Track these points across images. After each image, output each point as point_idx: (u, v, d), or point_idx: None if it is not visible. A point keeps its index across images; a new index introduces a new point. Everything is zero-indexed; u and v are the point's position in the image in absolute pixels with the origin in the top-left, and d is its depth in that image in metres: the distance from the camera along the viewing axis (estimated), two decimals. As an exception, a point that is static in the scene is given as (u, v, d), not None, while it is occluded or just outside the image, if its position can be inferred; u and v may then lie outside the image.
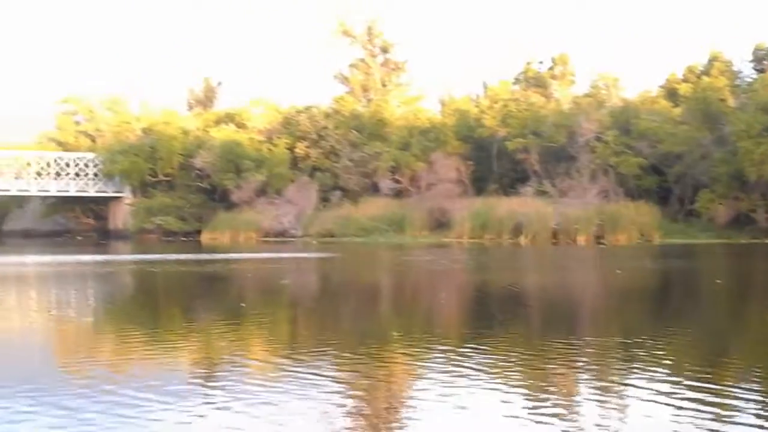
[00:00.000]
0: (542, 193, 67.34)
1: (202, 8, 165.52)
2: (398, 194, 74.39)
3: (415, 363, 12.05)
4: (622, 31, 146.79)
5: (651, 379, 10.48)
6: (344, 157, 76.88)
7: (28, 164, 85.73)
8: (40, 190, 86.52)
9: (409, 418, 8.88)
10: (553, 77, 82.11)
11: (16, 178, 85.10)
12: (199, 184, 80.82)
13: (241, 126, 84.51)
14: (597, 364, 11.83)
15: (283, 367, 11.57)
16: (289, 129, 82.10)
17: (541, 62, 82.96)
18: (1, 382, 10.31)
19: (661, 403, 9.23)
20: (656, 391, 9.79)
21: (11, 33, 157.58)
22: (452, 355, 12.36)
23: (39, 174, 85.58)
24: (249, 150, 78.87)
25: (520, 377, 10.96)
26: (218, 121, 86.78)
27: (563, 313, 19.31)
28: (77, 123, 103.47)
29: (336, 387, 10.21)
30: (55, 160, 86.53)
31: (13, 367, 11.67)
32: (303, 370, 11.19)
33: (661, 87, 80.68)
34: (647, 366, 11.42)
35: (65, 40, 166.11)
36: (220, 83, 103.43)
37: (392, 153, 74.31)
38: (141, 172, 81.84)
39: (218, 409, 9.07)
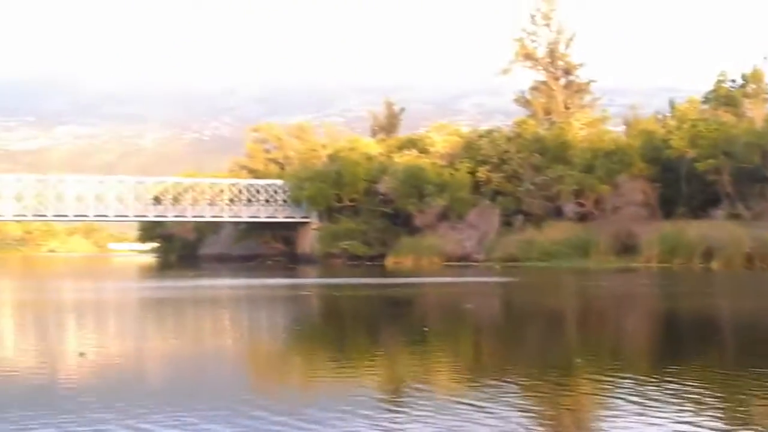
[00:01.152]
0: (734, 216, 64.44)
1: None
2: (582, 218, 73.01)
3: (601, 392, 11.80)
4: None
5: None
6: (527, 181, 76.23)
7: (222, 191, 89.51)
8: (232, 217, 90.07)
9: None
10: (746, 95, 78.75)
11: (211, 204, 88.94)
12: (383, 209, 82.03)
13: (423, 151, 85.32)
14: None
15: (467, 392, 11.59)
16: (470, 153, 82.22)
17: (733, 80, 79.93)
18: (197, 401, 10.81)
19: None
20: None
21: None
22: (640, 384, 12.03)
23: (232, 201, 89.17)
24: (431, 175, 79.48)
25: (712, 409, 10.54)
26: (401, 147, 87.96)
27: (760, 341, 18.40)
28: (267, 151, 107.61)
29: (520, 415, 10.13)
30: (247, 187, 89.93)
31: (208, 388, 12.20)
32: (487, 396, 11.18)
33: None
34: None
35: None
36: (402, 109, 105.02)
37: (576, 176, 73.09)
38: (327, 198, 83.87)
39: (401, 430, 9.20)
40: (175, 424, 9.47)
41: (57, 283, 50.28)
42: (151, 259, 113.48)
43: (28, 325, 22.65)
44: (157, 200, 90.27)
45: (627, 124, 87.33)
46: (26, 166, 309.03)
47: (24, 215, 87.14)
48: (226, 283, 44.13)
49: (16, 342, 18.42)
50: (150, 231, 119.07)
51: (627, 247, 66.37)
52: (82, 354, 15.28)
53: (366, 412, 10.08)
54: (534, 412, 10.41)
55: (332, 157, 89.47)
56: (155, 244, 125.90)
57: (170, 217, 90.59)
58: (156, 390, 12.03)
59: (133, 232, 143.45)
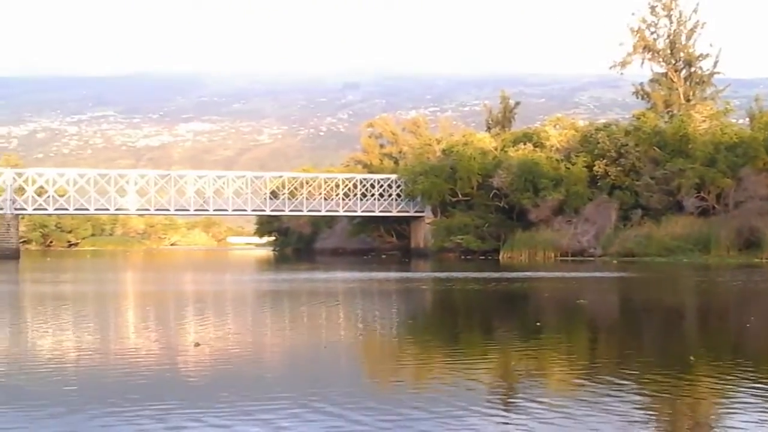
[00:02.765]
0: None
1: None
2: (703, 212, 71.12)
3: (721, 390, 11.43)
4: None
5: None
6: (645, 175, 74.66)
7: (337, 186, 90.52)
8: (347, 211, 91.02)
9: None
10: None
11: (326, 199, 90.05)
12: (497, 203, 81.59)
13: (538, 145, 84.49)
14: None
15: (582, 388, 11.40)
16: (587, 147, 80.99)
17: None
18: (312, 393, 10.93)
19: None
20: None
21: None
22: (761, 383, 11.61)
23: (346, 195, 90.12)
24: (546, 169, 78.63)
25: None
26: (516, 141, 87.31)
27: None
28: (382, 146, 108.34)
29: (637, 411, 9.90)
30: (361, 182, 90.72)
31: (323, 379, 12.33)
32: (602, 391, 10.97)
33: None
34: None
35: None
36: (517, 103, 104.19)
37: (697, 169, 71.21)
38: (441, 192, 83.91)
39: (517, 426, 9.11)
40: (290, 414, 9.59)
41: (178, 275, 51.73)
42: (268, 253, 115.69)
43: (149, 316, 23.34)
44: (274, 195, 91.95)
45: (751, 116, 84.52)
46: (149, 162, 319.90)
47: (147, 209, 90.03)
48: (340, 276, 44.57)
49: (136, 332, 19.00)
50: (267, 225, 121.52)
51: (750, 243, 64.41)
52: (197, 344, 15.66)
53: (480, 407, 10.01)
54: (651, 409, 10.16)
55: (446, 152, 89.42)
56: (272, 238, 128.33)
57: (286, 212, 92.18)
58: (269, 381, 12.22)
59: (251, 226, 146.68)
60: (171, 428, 8.93)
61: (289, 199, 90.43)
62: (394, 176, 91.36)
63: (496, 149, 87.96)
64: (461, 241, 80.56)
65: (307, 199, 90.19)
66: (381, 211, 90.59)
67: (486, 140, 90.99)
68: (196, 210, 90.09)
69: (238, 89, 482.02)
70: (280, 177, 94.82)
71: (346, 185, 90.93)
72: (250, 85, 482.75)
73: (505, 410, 9.88)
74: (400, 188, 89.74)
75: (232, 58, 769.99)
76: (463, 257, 76.44)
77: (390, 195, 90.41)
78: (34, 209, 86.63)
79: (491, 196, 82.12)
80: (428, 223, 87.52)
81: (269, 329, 19.65)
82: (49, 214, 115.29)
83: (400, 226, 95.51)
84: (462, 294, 31.62)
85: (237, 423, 9.17)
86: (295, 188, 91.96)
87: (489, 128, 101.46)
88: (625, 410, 9.84)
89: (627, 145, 77.66)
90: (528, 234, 75.56)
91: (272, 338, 17.88)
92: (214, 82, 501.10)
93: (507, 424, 9.20)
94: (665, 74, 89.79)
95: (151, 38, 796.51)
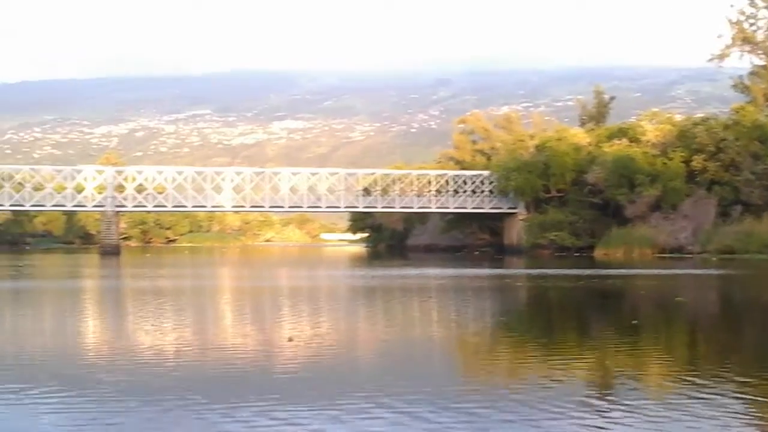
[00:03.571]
0: None
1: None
2: (808, 208, 68.92)
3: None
4: None
5: None
6: (745, 170, 72.70)
7: (429, 182, 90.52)
8: (439, 207, 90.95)
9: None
10: None
11: (418, 195, 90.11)
12: (592, 199, 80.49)
13: (634, 140, 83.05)
14: None
15: (679, 387, 11.17)
16: (684, 142, 79.25)
17: None
18: (405, 388, 10.97)
19: None
20: None
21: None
22: None
23: (439, 192, 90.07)
24: (642, 164, 77.23)
25: None
26: (610, 136, 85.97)
27: None
28: (474, 142, 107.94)
29: (737, 413, 9.65)
30: (454, 178, 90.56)
31: (416, 375, 12.36)
32: (700, 392, 10.72)
33: None
34: None
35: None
36: (612, 98, 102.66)
37: (800, 164, 69.03)
38: (534, 189, 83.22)
39: (613, 423, 8.99)
40: (383, 413, 9.63)
41: (273, 271, 52.44)
42: (360, 249, 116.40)
43: (245, 311, 23.73)
44: (366, 192, 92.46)
45: None
46: (244, 160, 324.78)
47: (242, 206, 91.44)
48: (432, 273, 44.57)
49: (233, 326, 19.34)
50: (360, 221, 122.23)
51: None
52: (290, 339, 15.87)
53: (575, 406, 9.90)
54: (752, 411, 9.89)
55: (540, 148, 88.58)
56: (365, 235, 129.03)
57: (379, 208, 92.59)
58: (361, 378, 12.29)
59: (344, 222, 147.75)
60: (260, 425, 9.06)
61: (381, 195, 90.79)
62: (486, 172, 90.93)
63: (590, 145, 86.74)
64: (555, 238, 79.76)
65: (399, 195, 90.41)
66: (473, 208, 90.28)
67: (580, 135, 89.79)
68: (290, 207, 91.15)
69: (331, 87, 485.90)
70: (373, 174, 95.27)
71: (439, 182, 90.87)
72: (343, 82, 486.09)
73: (600, 411, 9.73)
74: (493, 184, 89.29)
75: (325, 56, 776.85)
76: (557, 254, 75.66)
77: (482, 191, 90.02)
78: (134, 206, 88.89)
79: (585, 192, 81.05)
80: (521, 220, 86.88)
81: (362, 325, 19.78)
82: (148, 211, 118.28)
83: (493, 222, 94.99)
84: (556, 291, 31.31)
85: (328, 420, 9.25)
86: (388, 185, 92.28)
87: (583, 123, 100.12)
88: (725, 412, 9.60)
89: (726, 139, 75.71)
90: (624, 230, 74.32)
91: (365, 334, 18.00)
92: (307, 80, 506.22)
93: (603, 427, 9.08)
94: (765, 67, 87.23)
95: (246, 37, 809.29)
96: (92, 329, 18.93)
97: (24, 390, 10.73)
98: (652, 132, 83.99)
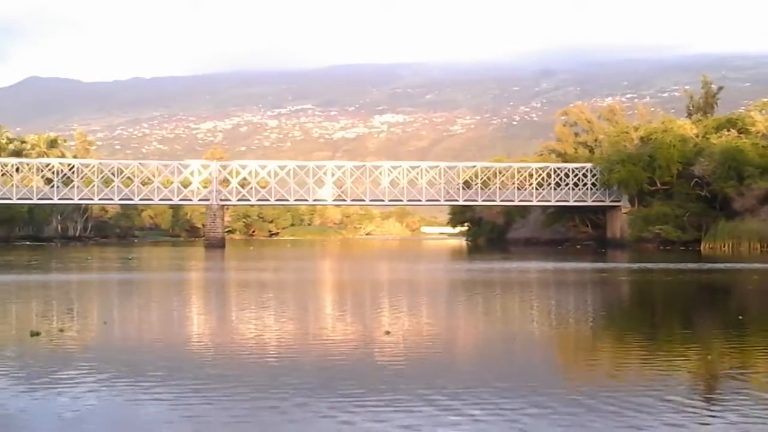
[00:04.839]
0: None
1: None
2: None
3: None
4: None
5: None
6: None
7: (530, 175, 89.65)
8: (540, 201, 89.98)
9: None
10: None
11: (519, 189, 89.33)
12: (699, 192, 78.52)
13: (743, 131, 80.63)
14: None
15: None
16: (797, 132, 76.53)
17: None
18: (504, 385, 10.92)
19: None
20: None
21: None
22: None
23: (540, 185, 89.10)
24: (752, 156, 74.93)
25: None
26: (718, 128, 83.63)
27: None
28: (577, 134, 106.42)
29: None
30: (555, 171, 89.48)
31: (515, 371, 12.29)
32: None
33: None
34: None
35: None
36: (720, 88, 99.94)
37: None
38: (638, 181, 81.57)
39: (722, 421, 8.81)
40: (480, 409, 9.62)
41: (373, 264, 52.79)
42: (460, 243, 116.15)
43: (345, 304, 23.97)
44: (467, 185, 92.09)
45: None
46: (345, 154, 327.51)
47: (343, 200, 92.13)
48: (534, 267, 44.21)
49: (333, 319, 19.55)
50: (460, 215, 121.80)
51: None
52: (387, 333, 15.97)
53: (675, 407, 9.68)
54: None
55: (645, 139, 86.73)
56: (465, 228, 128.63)
57: (479, 201, 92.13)
58: (457, 373, 12.28)
59: (444, 216, 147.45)
60: (356, 420, 9.15)
61: (482, 188, 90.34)
62: (589, 165, 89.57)
63: (697, 136, 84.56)
64: (660, 232, 78.07)
65: (500, 188, 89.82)
66: (576, 201, 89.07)
67: (686, 127, 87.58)
68: (390, 200, 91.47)
69: (432, 80, 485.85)
70: (474, 167, 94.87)
71: (540, 175, 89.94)
72: (444, 75, 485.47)
73: (702, 415, 9.48)
74: (596, 177, 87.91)
75: (427, 49, 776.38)
76: (661, 248, 74.10)
77: (585, 184, 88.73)
78: (238, 200, 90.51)
79: (692, 184, 79.07)
80: (625, 213, 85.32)
81: (461, 319, 19.76)
82: (252, 205, 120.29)
83: (596, 215, 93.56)
84: (660, 285, 30.72)
85: (423, 417, 9.28)
86: (488, 178, 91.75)
87: (690, 115, 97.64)
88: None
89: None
90: (732, 224, 72.22)
91: (464, 328, 17.98)
92: (408, 74, 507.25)
93: (707, 421, 8.88)
94: None
95: (349, 32, 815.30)
96: (198, 321, 19.40)
97: (133, 383, 11.07)
98: (762, 122, 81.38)
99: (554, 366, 13.40)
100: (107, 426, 8.77)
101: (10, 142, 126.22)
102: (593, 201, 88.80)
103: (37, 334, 15.39)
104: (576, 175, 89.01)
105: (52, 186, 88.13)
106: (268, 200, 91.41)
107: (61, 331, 16.11)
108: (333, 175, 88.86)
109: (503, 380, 11.10)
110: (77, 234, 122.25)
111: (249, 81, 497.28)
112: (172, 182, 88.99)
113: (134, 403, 9.73)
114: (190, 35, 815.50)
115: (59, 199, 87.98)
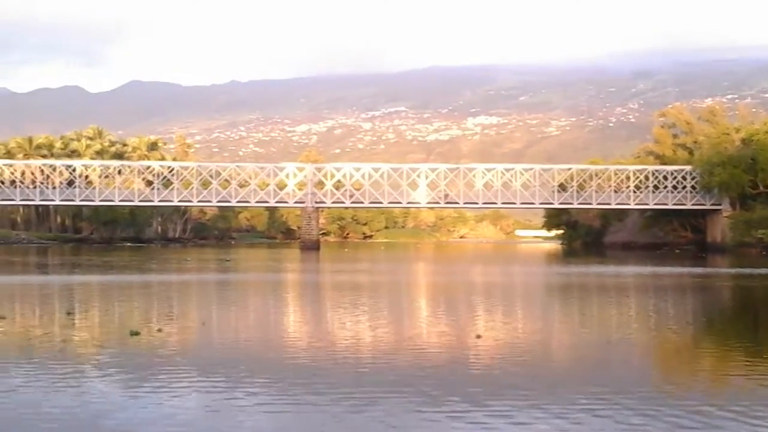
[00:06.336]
0: None
1: None
2: None
3: None
4: None
5: None
6: None
7: (627, 178, 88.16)
8: (638, 204, 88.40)
9: None
10: None
11: (616, 192, 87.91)
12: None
13: None
14: None
15: None
16: None
17: None
18: (599, 391, 10.73)
19: None
20: None
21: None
22: None
23: (638, 188, 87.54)
24: None
25: None
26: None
27: None
28: (675, 136, 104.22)
29: None
30: (653, 173, 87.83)
31: (611, 378, 12.05)
32: None
33: None
34: None
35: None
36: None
37: None
38: (740, 184, 79.50)
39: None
40: (573, 416, 9.48)
41: (467, 267, 52.61)
42: (555, 246, 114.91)
43: (438, 306, 23.93)
44: (562, 187, 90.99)
45: None
46: (439, 156, 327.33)
47: (437, 202, 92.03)
48: (631, 271, 43.43)
49: (426, 321, 19.53)
50: (555, 218, 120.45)
51: None
52: (478, 336, 15.89)
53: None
54: None
55: (746, 141, 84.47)
56: (560, 231, 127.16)
57: (575, 204, 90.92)
58: (550, 379, 12.11)
59: (539, 219, 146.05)
60: (441, 420, 9.10)
61: (577, 191, 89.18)
62: (688, 167, 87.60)
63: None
64: (763, 236, 75.87)
65: (596, 191, 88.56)
66: (674, 204, 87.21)
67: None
68: (484, 203, 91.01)
69: (526, 82, 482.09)
70: (569, 169, 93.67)
71: (638, 177, 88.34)
72: (539, 77, 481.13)
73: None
74: (695, 180, 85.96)
75: (521, 50, 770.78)
76: (764, 253, 72.00)
77: (684, 187, 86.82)
78: (333, 202, 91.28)
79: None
80: (726, 217, 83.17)
81: (555, 323, 19.52)
82: (346, 207, 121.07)
83: (695, 219, 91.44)
84: (764, 291, 29.83)
85: (511, 423, 9.18)
86: (584, 180, 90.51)
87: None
88: None
89: None
90: None
91: (558, 333, 17.75)
92: (503, 76, 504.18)
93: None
94: None
95: (442, 34, 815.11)
96: (294, 323, 19.62)
97: (230, 384, 11.24)
98: None
99: (652, 373, 13.08)
100: (203, 425, 8.90)
101: (113, 145, 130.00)
102: (693, 204, 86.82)
103: (137, 333, 15.77)
104: (675, 177, 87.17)
105: (153, 188, 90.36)
106: (362, 202, 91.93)
107: (160, 331, 16.46)
108: (427, 177, 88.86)
109: (599, 385, 10.89)
110: (176, 235, 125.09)
111: (343, 84, 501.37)
112: (268, 185, 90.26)
113: (230, 403, 9.85)
114: (286, 39, 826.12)
115: (159, 200, 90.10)
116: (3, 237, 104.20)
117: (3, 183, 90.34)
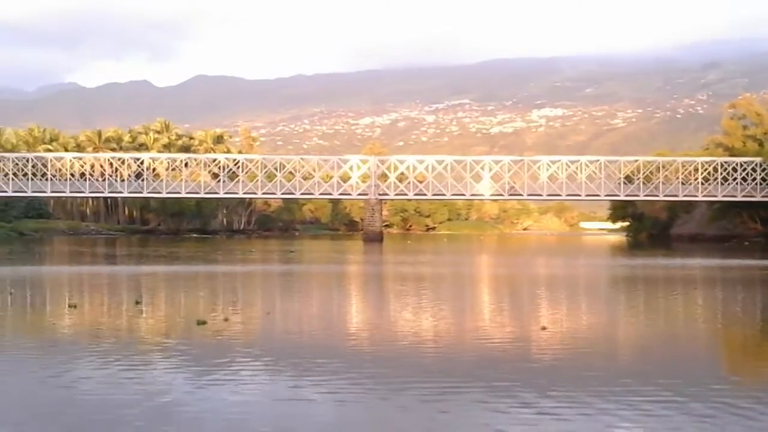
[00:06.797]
0: None
1: None
2: None
3: None
4: None
5: None
6: None
7: (695, 170, 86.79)
8: (706, 196, 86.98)
9: None
10: None
11: (684, 183, 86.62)
12: None
13: None
14: None
15: None
16: None
17: None
18: (668, 382, 10.60)
19: None
20: None
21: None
22: None
23: (706, 180, 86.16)
24: None
25: None
26: None
27: None
28: (745, 127, 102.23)
29: None
30: (722, 165, 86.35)
31: (679, 373, 11.90)
32: None
33: None
34: None
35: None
36: None
37: None
38: (812, 176, 77.58)
39: None
40: (638, 409, 9.39)
41: (531, 259, 52.29)
42: (620, 238, 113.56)
43: (502, 298, 23.85)
44: (628, 179, 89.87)
45: None
46: (503, 148, 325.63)
47: (501, 195, 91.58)
48: (698, 264, 42.75)
49: (490, 313, 19.49)
50: (620, 210, 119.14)
51: None
52: (544, 328, 15.80)
53: None
54: None
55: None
56: (625, 223, 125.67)
57: (641, 197, 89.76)
58: (612, 372, 12.01)
59: (604, 211, 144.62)
60: (509, 411, 9.08)
61: (644, 183, 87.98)
62: (758, 159, 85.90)
63: None
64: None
65: (663, 183, 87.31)
66: (744, 196, 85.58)
67: None
68: (548, 195, 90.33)
69: (592, 73, 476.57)
70: (635, 161, 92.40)
71: (706, 169, 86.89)
72: (604, 68, 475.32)
73: None
74: (765, 172, 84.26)
75: (587, 41, 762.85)
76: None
77: (754, 179, 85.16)
78: (396, 194, 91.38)
79: None
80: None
81: (620, 316, 19.30)
82: (409, 199, 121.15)
83: (765, 211, 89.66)
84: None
85: (577, 415, 9.12)
86: (651, 173, 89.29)
87: None
88: None
89: None
90: None
91: (623, 326, 17.54)
92: (568, 67, 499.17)
93: None
94: None
95: (505, 26, 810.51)
96: (357, 313, 19.74)
97: (295, 373, 11.36)
98: None
99: (719, 367, 12.88)
100: (270, 414, 9.00)
101: (179, 139, 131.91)
102: (762, 196, 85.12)
103: (204, 322, 16.00)
104: (744, 169, 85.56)
105: (219, 180, 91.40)
106: (425, 195, 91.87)
107: (226, 320, 16.66)
108: (491, 169, 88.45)
109: (666, 377, 10.76)
110: (241, 227, 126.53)
111: (406, 76, 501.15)
112: (331, 177, 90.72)
113: (296, 393, 9.94)
114: (349, 32, 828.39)
115: (225, 193, 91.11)
116: (73, 228, 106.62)
117: (73, 176, 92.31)
